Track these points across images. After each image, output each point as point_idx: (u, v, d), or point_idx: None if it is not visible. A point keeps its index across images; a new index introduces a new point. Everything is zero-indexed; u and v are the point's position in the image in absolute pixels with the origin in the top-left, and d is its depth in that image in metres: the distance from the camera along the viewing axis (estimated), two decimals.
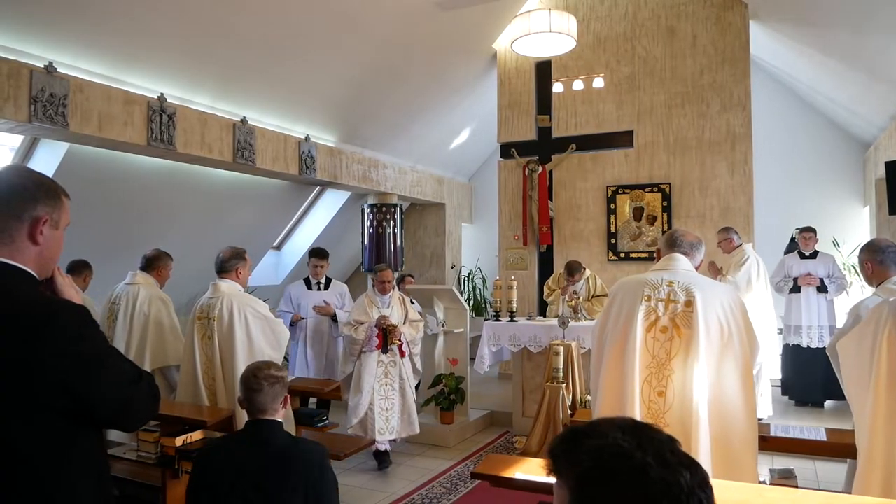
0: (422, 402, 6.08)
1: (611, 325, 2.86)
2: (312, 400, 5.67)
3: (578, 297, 6.37)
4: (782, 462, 4.53)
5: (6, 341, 1.38)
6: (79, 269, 4.87)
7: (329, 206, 9.33)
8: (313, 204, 9.32)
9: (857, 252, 4.53)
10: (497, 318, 6.54)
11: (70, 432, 1.46)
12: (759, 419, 3.58)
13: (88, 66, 5.02)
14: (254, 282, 7.92)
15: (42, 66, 4.65)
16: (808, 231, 6.80)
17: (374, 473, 5.10)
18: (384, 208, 8.96)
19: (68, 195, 1.62)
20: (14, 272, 1.48)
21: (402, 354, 5.27)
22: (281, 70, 6.33)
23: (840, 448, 3.26)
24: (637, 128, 7.82)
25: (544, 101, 8.26)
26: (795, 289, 6.74)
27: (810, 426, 4.61)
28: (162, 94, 5.57)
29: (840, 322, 6.42)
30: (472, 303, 10.56)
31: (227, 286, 3.89)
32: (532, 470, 2.74)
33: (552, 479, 0.98)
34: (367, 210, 9.01)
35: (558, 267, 7.34)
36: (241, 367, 3.69)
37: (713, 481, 0.97)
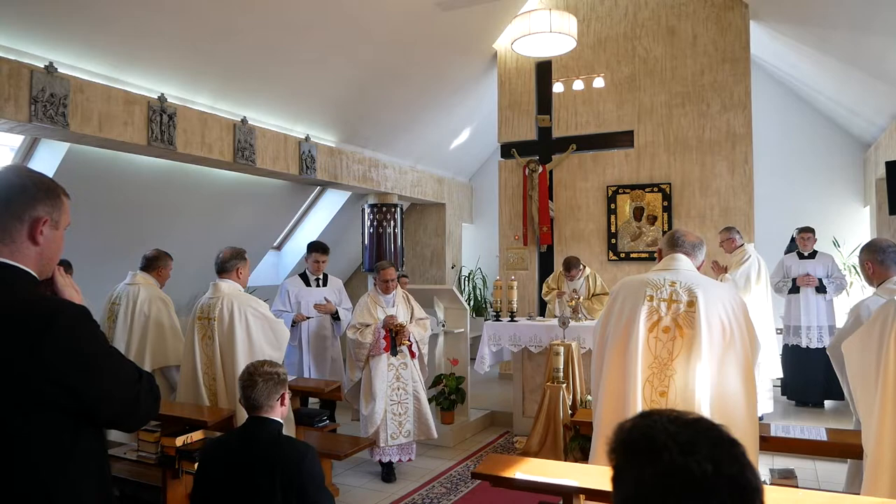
0: None
1: (612, 325, 2.86)
2: (313, 400, 5.63)
3: (579, 297, 6.37)
4: (782, 462, 4.54)
5: (6, 341, 1.38)
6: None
7: (329, 206, 9.33)
8: (313, 204, 9.32)
9: (857, 252, 4.53)
10: (497, 318, 6.54)
11: (71, 432, 1.46)
12: (759, 417, 3.57)
13: (89, 66, 5.02)
14: (254, 282, 7.93)
15: (42, 66, 4.65)
16: (807, 231, 6.80)
17: (375, 474, 5.09)
18: (384, 208, 8.96)
19: (68, 195, 1.62)
20: (14, 272, 1.48)
21: (413, 355, 5.06)
22: (281, 70, 6.33)
23: (840, 448, 3.26)
24: (637, 128, 7.82)
25: (544, 101, 8.26)
26: (794, 289, 6.74)
27: (810, 426, 4.62)
28: (162, 94, 5.57)
29: (840, 322, 6.43)
30: (472, 303, 10.56)
31: (228, 286, 3.89)
32: (532, 470, 2.73)
33: None
34: (367, 210, 9.01)
35: (558, 267, 7.34)
36: (241, 367, 3.69)
37: None
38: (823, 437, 3.26)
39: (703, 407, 2.60)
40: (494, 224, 9.10)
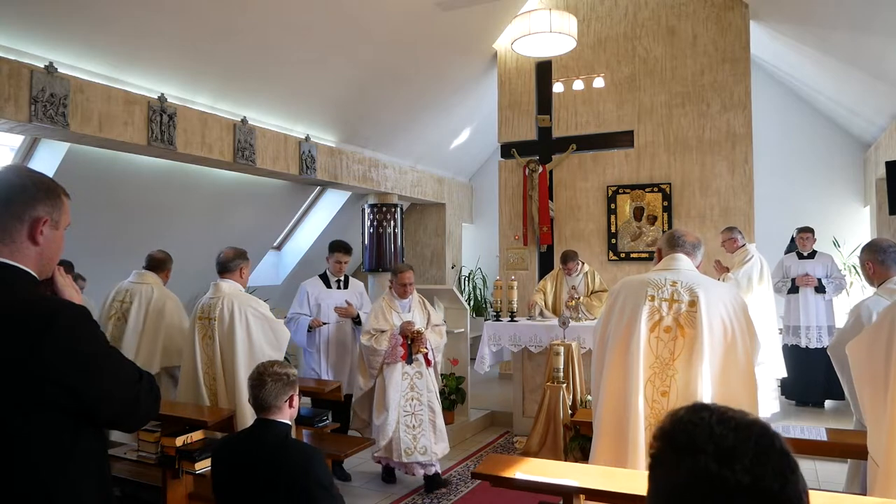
0: None
1: (613, 325, 2.85)
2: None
3: (578, 297, 6.36)
4: None
5: (6, 341, 1.38)
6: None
7: (329, 206, 9.33)
8: (313, 204, 9.32)
9: (857, 252, 4.53)
10: (497, 318, 6.54)
11: (71, 432, 1.46)
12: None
13: (89, 66, 5.02)
14: (254, 282, 7.93)
15: (42, 66, 4.65)
16: (806, 231, 6.80)
17: (375, 474, 5.09)
18: (384, 208, 8.96)
19: (68, 195, 1.62)
20: (14, 272, 1.48)
21: (429, 364, 4.76)
22: (281, 70, 6.33)
23: (840, 448, 3.25)
24: (637, 128, 7.82)
25: (544, 101, 8.26)
26: (794, 289, 6.74)
27: (810, 426, 4.61)
28: (162, 94, 5.57)
29: (840, 322, 6.42)
30: (472, 303, 10.56)
31: (229, 286, 3.89)
32: (532, 470, 2.73)
33: None
34: (367, 210, 9.01)
35: (558, 266, 7.33)
36: (241, 367, 3.70)
37: None
38: (823, 437, 3.25)
39: None
40: (494, 224, 9.10)
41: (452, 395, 6.02)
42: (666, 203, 7.66)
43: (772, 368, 6.03)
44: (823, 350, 6.28)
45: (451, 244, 10.91)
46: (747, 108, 7.33)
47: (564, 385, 5.08)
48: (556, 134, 8.22)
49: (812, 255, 6.79)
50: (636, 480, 2.40)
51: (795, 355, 6.67)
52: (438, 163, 10.29)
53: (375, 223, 8.92)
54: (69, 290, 1.62)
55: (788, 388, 6.85)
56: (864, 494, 2.82)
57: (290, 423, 2.48)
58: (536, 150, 8.27)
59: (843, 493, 3.16)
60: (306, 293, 5.21)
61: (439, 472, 4.82)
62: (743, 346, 2.69)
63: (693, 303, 2.69)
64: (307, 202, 9.06)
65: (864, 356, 2.58)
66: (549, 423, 5.00)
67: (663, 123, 7.70)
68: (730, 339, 2.67)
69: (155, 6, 4.88)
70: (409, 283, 4.80)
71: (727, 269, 6.07)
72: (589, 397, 5.06)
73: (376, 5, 6.23)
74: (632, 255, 7.83)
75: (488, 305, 10.05)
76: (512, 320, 6.41)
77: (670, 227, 7.53)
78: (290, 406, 2.46)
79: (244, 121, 6.43)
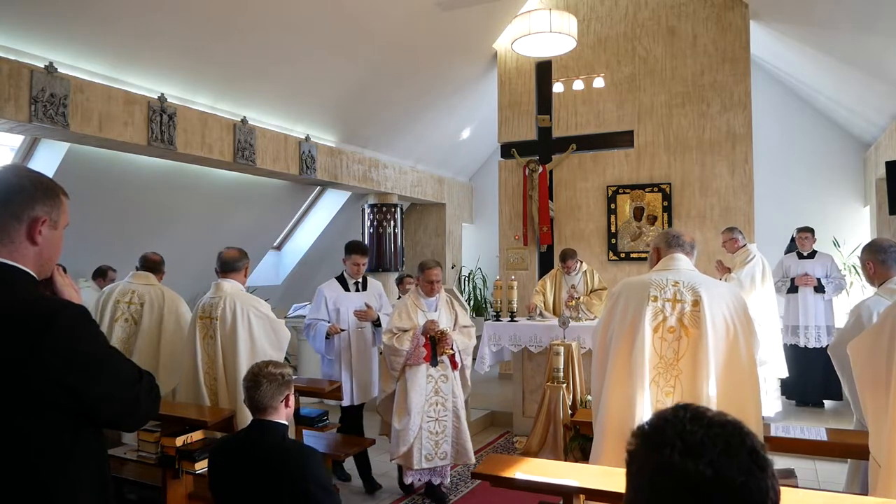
0: None
1: (616, 326, 2.85)
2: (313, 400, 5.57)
3: (578, 297, 6.36)
4: (782, 462, 4.53)
5: (6, 341, 1.38)
6: None
7: (329, 206, 9.33)
8: (313, 204, 9.32)
9: (857, 252, 4.53)
10: (497, 318, 6.54)
11: (71, 432, 1.46)
12: (764, 417, 3.57)
13: (89, 66, 5.02)
14: (254, 282, 7.93)
15: (42, 66, 4.65)
16: (805, 231, 6.80)
17: (375, 474, 5.08)
18: (384, 208, 8.96)
19: (67, 195, 1.62)
20: (13, 272, 1.48)
21: (455, 366, 4.51)
22: (281, 70, 6.33)
23: (840, 448, 3.25)
24: (637, 128, 7.82)
25: (544, 101, 8.26)
26: (793, 289, 6.74)
27: (810, 426, 4.61)
28: (162, 94, 5.57)
29: (839, 322, 6.42)
30: (472, 303, 10.56)
31: (231, 286, 3.89)
32: (532, 470, 2.73)
33: None
34: (367, 210, 9.01)
35: (557, 265, 7.33)
36: (243, 367, 3.69)
37: None
38: (823, 437, 3.25)
39: (710, 406, 2.59)
40: (494, 224, 9.10)
41: None
42: (666, 203, 7.66)
43: (774, 368, 6.03)
44: (823, 350, 6.28)
45: (451, 244, 10.91)
46: (747, 108, 7.33)
47: (564, 385, 5.08)
48: (556, 134, 8.22)
49: (812, 255, 6.79)
50: None
51: (795, 355, 6.67)
52: (438, 163, 10.29)
53: (375, 223, 8.92)
54: (69, 289, 1.62)
55: (788, 388, 6.85)
56: (865, 494, 2.81)
57: (286, 423, 2.46)
58: (536, 150, 8.27)
59: (843, 493, 3.16)
60: (324, 297, 4.98)
61: (447, 485, 4.69)
62: (745, 345, 2.69)
63: (696, 302, 2.69)
64: (307, 202, 9.06)
65: (865, 356, 2.58)
66: (549, 423, 5.00)
67: (663, 123, 7.70)
68: (732, 338, 2.67)
69: (155, 6, 4.88)
70: (437, 280, 4.51)
71: (729, 270, 6.08)
72: (589, 397, 5.06)
73: (376, 5, 6.23)
74: (632, 255, 7.83)
75: (488, 305, 10.05)
76: (512, 320, 6.40)
77: (670, 227, 7.52)
78: (287, 406, 2.45)
79: (244, 121, 6.43)
